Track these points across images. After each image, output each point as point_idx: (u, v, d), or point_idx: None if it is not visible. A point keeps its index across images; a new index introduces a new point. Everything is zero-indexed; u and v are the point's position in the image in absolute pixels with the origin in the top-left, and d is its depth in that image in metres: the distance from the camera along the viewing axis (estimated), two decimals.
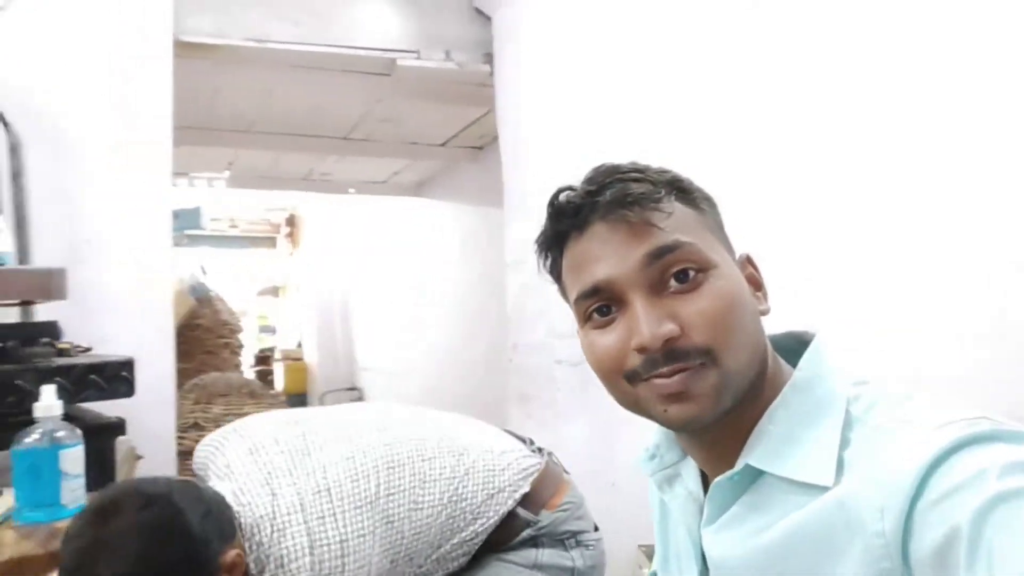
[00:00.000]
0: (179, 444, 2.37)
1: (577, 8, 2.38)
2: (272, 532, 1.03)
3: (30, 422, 1.22)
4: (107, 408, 1.62)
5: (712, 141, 1.83)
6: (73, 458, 1.23)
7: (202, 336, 5.30)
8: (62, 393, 1.27)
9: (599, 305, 0.61)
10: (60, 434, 1.22)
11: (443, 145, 4.50)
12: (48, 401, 1.23)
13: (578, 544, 1.29)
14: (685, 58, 1.94)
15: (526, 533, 1.25)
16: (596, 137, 2.26)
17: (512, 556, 1.24)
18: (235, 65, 2.80)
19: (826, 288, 1.53)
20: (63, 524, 1.13)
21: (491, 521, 1.22)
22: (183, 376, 4.06)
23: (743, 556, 0.59)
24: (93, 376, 1.50)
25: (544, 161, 2.54)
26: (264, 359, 8.34)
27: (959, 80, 1.29)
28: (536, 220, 0.66)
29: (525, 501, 1.26)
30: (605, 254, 0.60)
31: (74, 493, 1.23)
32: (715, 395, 0.57)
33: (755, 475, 0.60)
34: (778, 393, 0.60)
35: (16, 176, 1.91)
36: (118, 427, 1.55)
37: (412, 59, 2.81)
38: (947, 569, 0.45)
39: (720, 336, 0.57)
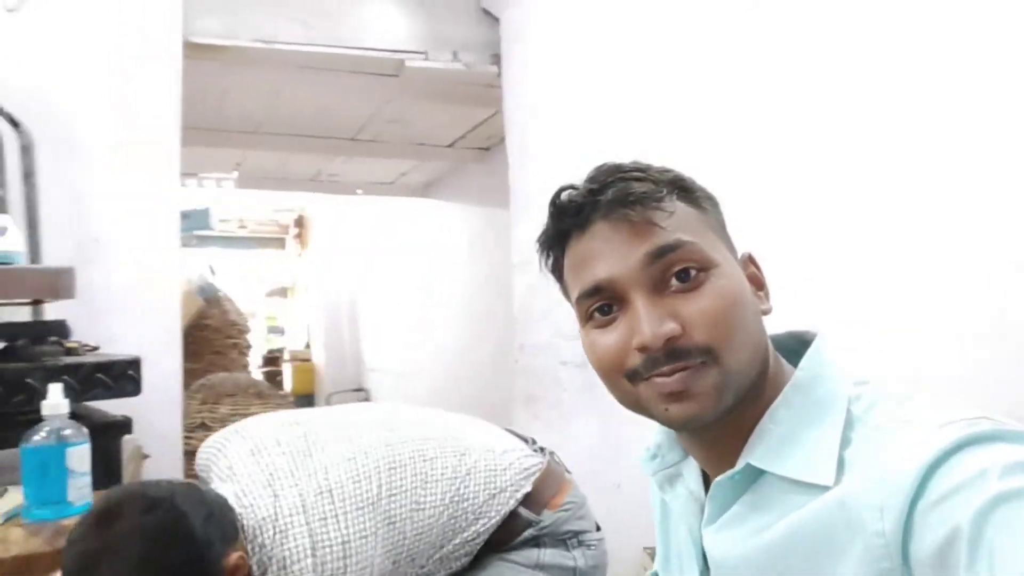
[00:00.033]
0: (186, 444, 2.38)
1: (584, 9, 2.38)
2: (274, 534, 1.03)
3: (38, 420, 1.23)
4: (114, 407, 1.64)
5: (716, 141, 1.83)
6: (80, 456, 1.24)
7: (210, 336, 5.31)
8: (69, 391, 1.28)
9: (600, 304, 0.61)
10: (67, 432, 1.23)
11: (450, 146, 4.51)
12: (55, 399, 1.24)
13: (580, 544, 1.28)
14: (690, 59, 1.94)
15: (528, 533, 1.25)
16: (603, 138, 2.26)
17: (514, 556, 1.24)
18: (243, 66, 2.82)
19: (826, 288, 1.53)
20: (70, 522, 1.14)
21: (493, 521, 1.22)
22: (191, 376, 4.08)
23: (744, 555, 0.59)
24: (100, 375, 1.51)
25: (551, 162, 2.54)
26: (273, 360, 8.36)
27: (959, 80, 1.28)
28: (542, 221, 0.66)
29: (527, 501, 1.26)
30: (607, 253, 0.60)
31: (80, 491, 1.24)
32: (716, 394, 0.57)
33: (756, 474, 0.59)
34: (779, 392, 0.60)
35: (28, 176, 1.93)
36: (124, 426, 1.56)
37: (420, 60, 2.82)
38: (947, 569, 0.45)
39: (721, 335, 0.57)
